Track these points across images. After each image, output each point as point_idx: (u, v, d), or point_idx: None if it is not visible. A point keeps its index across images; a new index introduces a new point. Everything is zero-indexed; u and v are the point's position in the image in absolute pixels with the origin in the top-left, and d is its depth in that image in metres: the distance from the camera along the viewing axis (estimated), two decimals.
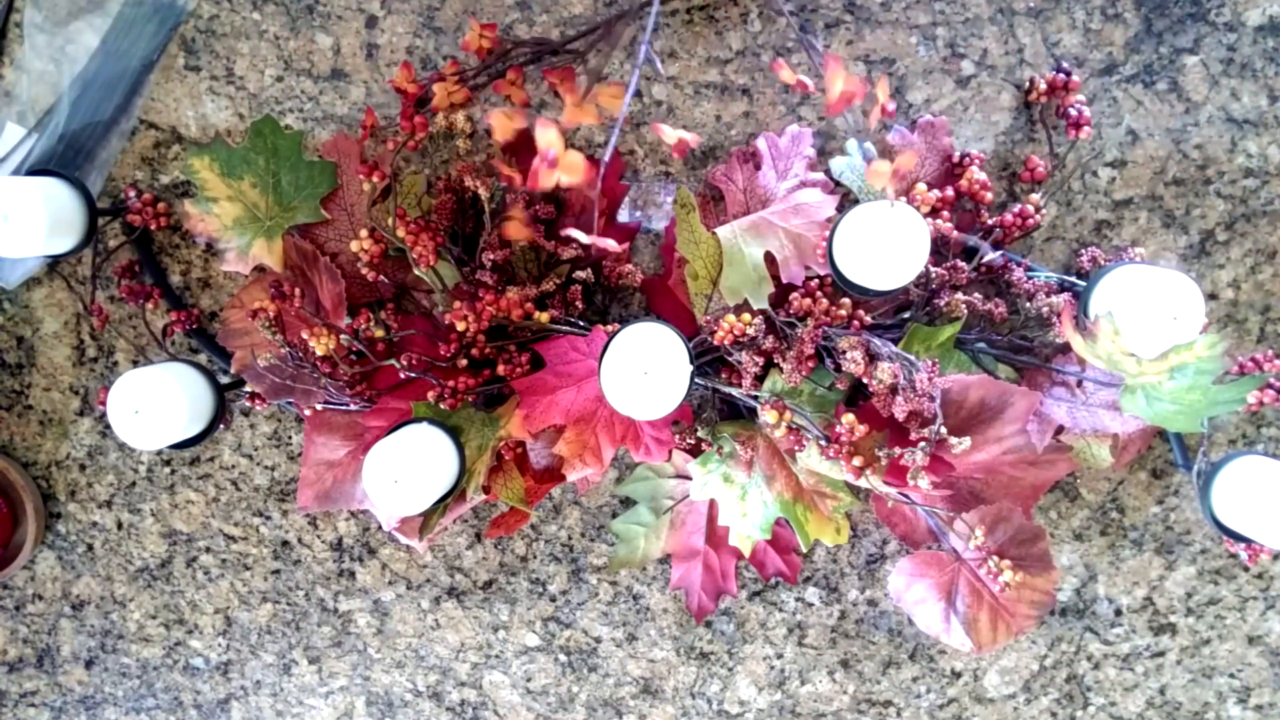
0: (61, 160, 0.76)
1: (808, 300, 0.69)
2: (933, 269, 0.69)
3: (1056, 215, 0.75)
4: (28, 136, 0.76)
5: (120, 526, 0.86)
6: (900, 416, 0.65)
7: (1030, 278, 0.71)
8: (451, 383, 0.70)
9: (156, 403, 0.68)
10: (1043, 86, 0.71)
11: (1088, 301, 0.65)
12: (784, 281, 0.69)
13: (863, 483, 0.66)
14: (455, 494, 0.68)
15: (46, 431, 0.83)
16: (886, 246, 0.60)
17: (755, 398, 0.69)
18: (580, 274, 0.72)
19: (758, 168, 0.72)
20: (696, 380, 0.71)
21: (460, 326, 0.68)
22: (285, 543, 0.85)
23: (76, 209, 0.70)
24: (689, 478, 0.75)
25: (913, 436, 0.65)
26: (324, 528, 0.85)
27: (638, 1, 0.71)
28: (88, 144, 0.76)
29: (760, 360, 0.68)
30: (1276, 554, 0.80)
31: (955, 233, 0.70)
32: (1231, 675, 0.84)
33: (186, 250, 0.79)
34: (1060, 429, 0.71)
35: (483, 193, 0.68)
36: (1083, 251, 0.73)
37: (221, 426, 0.78)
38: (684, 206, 0.69)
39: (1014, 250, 0.74)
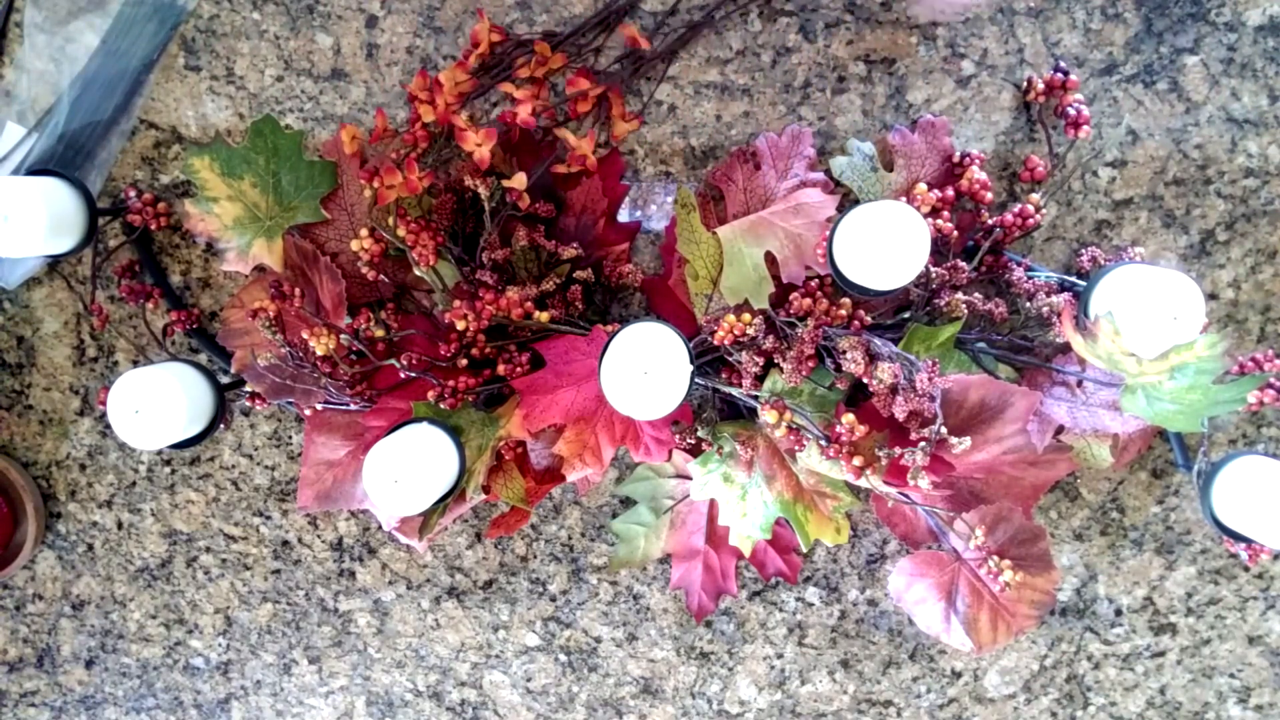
0: (61, 160, 0.76)
1: (808, 300, 0.69)
2: (933, 269, 0.69)
3: (1056, 215, 0.75)
4: (28, 136, 0.76)
5: (120, 526, 0.86)
6: (900, 416, 0.65)
7: (1030, 278, 0.71)
8: (451, 382, 0.70)
9: (156, 403, 0.67)
10: (1040, 86, 0.71)
11: (1088, 301, 0.65)
12: (784, 281, 0.69)
13: (863, 483, 0.66)
14: (455, 494, 0.68)
15: (46, 431, 0.83)
16: (886, 246, 0.60)
17: (755, 398, 0.69)
18: (580, 274, 0.72)
19: (758, 168, 0.72)
20: (696, 380, 0.71)
21: (460, 326, 0.68)
22: (285, 543, 0.85)
23: (76, 209, 0.70)
24: (689, 478, 0.75)
25: (913, 436, 0.65)
26: (324, 528, 0.85)
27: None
28: (88, 144, 0.76)
29: (760, 360, 0.68)
30: (1276, 554, 0.80)
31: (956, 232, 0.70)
32: (1231, 675, 0.84)
33: (186, 250, 0.79)
34: (1060, 429, 0.71)
35: (483, 192, 0.68)
36: (1083, 251, 0.73)
37: (221, 426, 0.78)
38: (684, 206, 0.69)
39: (1014, 250, 0.74)
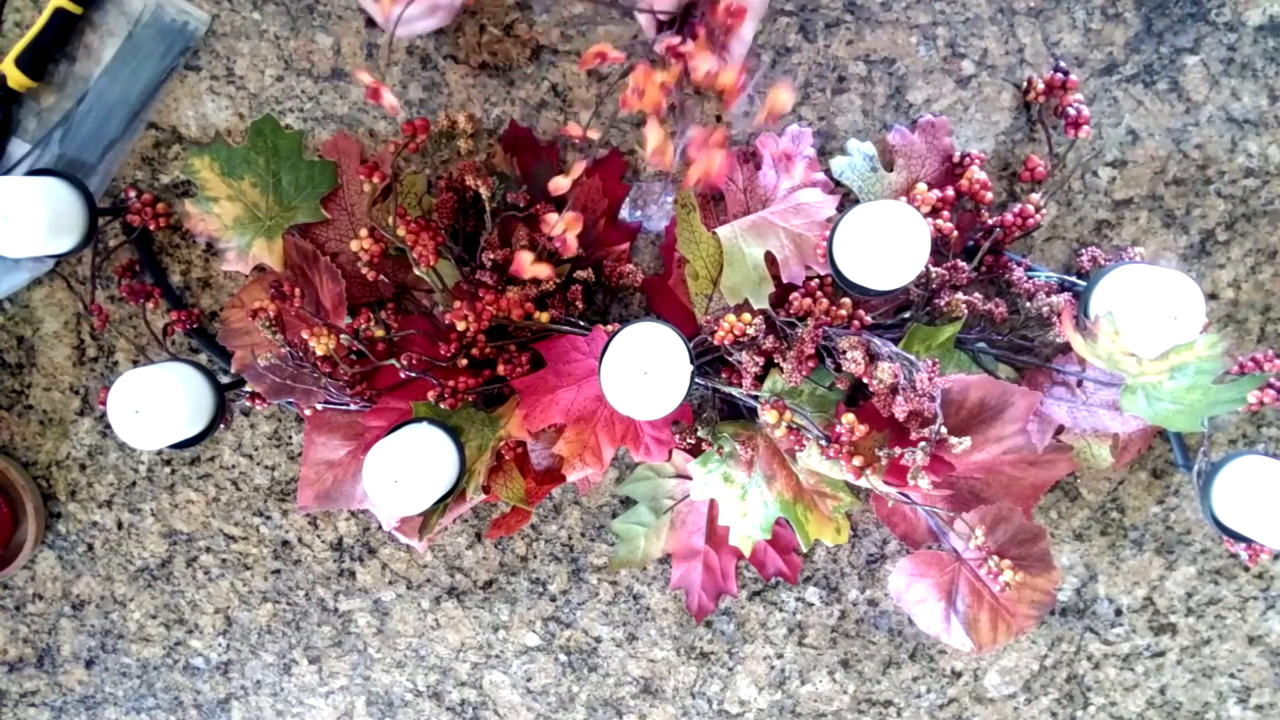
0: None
1: (808, 300, 0.69)
2: (933, 269, 0.69)
3: (1057, 215, 0.75)
4: (29, 154, 0.76)
5: (120, 526, 0.86)
6: (900, 416, 0.65)
7: (1030, 278, 0.71)
8: (451, 382, 0.70)
9: (156, 403, 0.67)
10: (1040, 86, 0.71)
11: (1088, 301, 0.65)
12: (784, 281, 0.69)
13: (863, 483, 0.66)
14: (455, 494, 0.68)
15: (46, 431, 0.83)
16: (886, 246, 0.60)
17: (755, 398, 0.69)
18: (580, 274, 0.72)
19: (758, 168, 0.72)
20: (696, 380, 0.71)
21: (460, 326, 0.69)
22: (285, 542, 0.85)
23: (76, 209, 0.70)
24: (689, 478, 0.75)
25: (913, 436, 0.65)
26: (324, 528, 0.85)
27: None
28: (89, 161, 0.76)
29: (760, 360, 0.68)
30: (1276, 554, 0.80)
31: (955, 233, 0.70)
32: (1231, 675, 0.84)
33: (186, 250, 0.79)
34: (1060, 429, 0.71)
35: (483, 192, 0.68)
36: (1083, 251, 0.73)
37: (221, 426, 0.78)
38: (684, 206, 0.69)
39: (1014, 250, 0.74)
